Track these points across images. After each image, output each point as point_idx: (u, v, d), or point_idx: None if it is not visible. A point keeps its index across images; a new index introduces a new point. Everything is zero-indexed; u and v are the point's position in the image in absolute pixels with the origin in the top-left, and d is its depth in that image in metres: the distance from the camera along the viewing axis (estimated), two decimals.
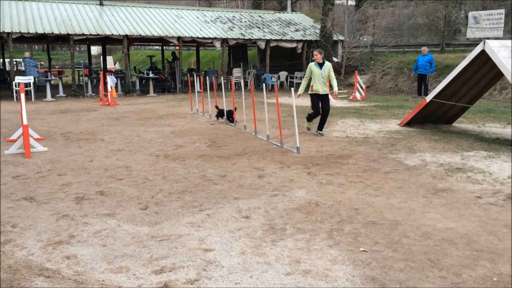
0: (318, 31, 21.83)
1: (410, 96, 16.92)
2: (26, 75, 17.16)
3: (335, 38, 21.59)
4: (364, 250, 3.73)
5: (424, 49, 16.23)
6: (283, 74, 21.35)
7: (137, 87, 19.55)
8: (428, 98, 9.11)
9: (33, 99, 16.26)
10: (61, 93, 17.72)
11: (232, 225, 4.30)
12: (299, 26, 23.15)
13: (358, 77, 16.76)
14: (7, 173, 6.16)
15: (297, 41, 21.30)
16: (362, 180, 5.77)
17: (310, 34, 21.98)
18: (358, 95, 16.42)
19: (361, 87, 16.74)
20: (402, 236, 4.01)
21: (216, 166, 6.56)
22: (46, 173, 6.17)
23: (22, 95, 7.63)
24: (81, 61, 22.21)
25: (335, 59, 21.58)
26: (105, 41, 22.35)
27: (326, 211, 4.68)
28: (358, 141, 8.34)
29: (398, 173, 6.13)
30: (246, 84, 20.63)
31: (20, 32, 16.71)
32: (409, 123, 9.79)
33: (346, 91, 17.71)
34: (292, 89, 8.04)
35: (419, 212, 4.61)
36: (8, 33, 16.52)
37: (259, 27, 21.98)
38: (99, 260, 3.55)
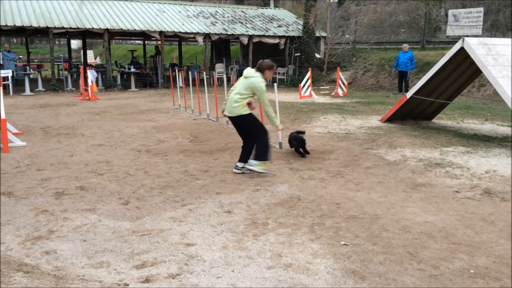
0: (300, 27, 21.88)
1: (391, 92, 17.13)
2: (3, 69, 16.78)
3: (317, 35, 21.67)
4: (345, 244, 3.77)
5: (405, 46, 16.42)
6: None
7: (118, 81, 19.30)
8: (409, 94, 9.23)
9: (11, 93, 15.92)
10: (40, 87, 17.39)
11: (214, 220, 4.30)
12: (282, 22, 23.17)
13: (340, 73, 16.88)
14: None
15: (280, 37, 21.31)
16: (344, 175, 5.83)
17: (293, 30, 22.02)
18: (340, 91, 16.54)
19: (343, 84, 16.86)
20: (382, 230, 4.07)
21: (198, 161, 6.54)
22: (25, 168, 6.07)
23: (0, 89, 7.46)
24: (61, 55, 21.80)
25: (317, 55, 21.68)
26: (85, 34, 22.00)
27: (307, 205, 4.71)
28: (339, 136, 8.41)
29: (378, 168, 6.21)
30: (228, 80, 20.56)
31: None
32: (389, 119, 9.91)
33: (328, 87, 17.82)
34: (275, 84, 8.05)
35: (398, 206, 4.68)
36: None
37: (242, 23, 21.92)
38: (79, 255, 3.51)
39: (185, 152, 7.15)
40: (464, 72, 9.06)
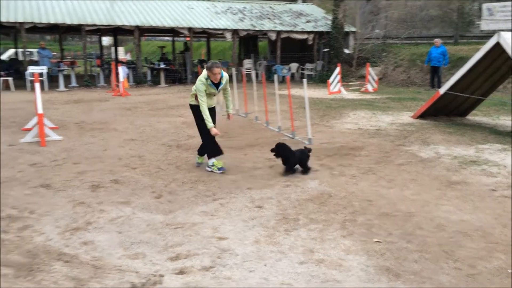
0: (329, 22, 21.67)
1: (423, 88, 16.76)
2: (39, 66, 17.28)
3: (346, 30, 21.41)
4: (378, 241, 3.73)
5: (437, 41, 16.04)
6: (294, 66, 21.26)
7: (149, 77, 19.60)
8: (442, 90, 9.03)
9: (46, 89, 16.38)
10: (73, 83, 17.84)
11: (245, 215, 4.33)
12: (310, 17, 22.99)
13: (370, 69, 16.63)
14: (23, 161, 6.25)
15: (308, 32, 21.16)
16: (375, 172, 5.76)
17: (322, 26, 21.82)
18: (370, 87, 16.31)
19: (373, 79, 16.62)
20: (416, 228, 4.00)
21: (228, 157, 6.57)
22: (62, 162, 6.25)
23: (37, 85, 7.69)
24: (93, 52, 22.32)
25: (346, 51, 21.43)
26: (116, 31, 22.43)
27: (339, 202, 4.69)
28: (370, 133, 8.31)
29: (411, 165, 6.10)
30: (257, 76, 20.57)
31: (32, 22, 16.83)
32: (422, 116, 9.71)
33: (357, 83, 17.60)
34: (305, 80, 8.02)
35: (433, 204, 4.60)
36: (20, 23, 16.66)
37: (270, 18, 21.87)
38: (115, 246, 3.60)
39: None
40: (499, 67, 8.79)
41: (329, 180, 5.43)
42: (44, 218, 4.17)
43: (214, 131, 5.61)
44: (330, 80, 15.65)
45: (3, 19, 16.49)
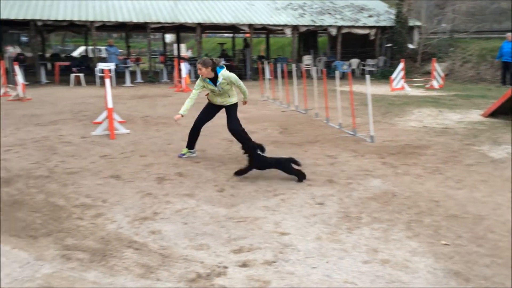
0: (392, 16, 21.01)
1: (494, 85, 15.85)
2: (107, 62, 18.18)
3: (411, 24, 20.66)
4: (446, 244, 3.59)
5: (509, 35, 15.08)
6: (354, 62, 20.83)
7: None
8: None
9: (113, 85, 17.19)
10: (138, 79, 18.62)
11: (307, 211, 4.32)
12: (372, 11, 22.41)
13: (436, 64, 15.95)
14: (94, 152, 6.62)
15: (370, 27, 20.66)
16: (442, 172, 5.53)
17: (384, 20, 21.21)
18: (435, 84, 15.65)
19: (439, 75, 15.93)
20: (487, 231, 3.81)
21: (288, 153, 6.57)
22: (130, 154, 6.55)
23: (107, 81, 8.10)
24: (156, 49, 23.13)
25: (410, 46, 20.68)
26: (179, 29, 23.10)
27: (403, 201, 4.55)
28: (436, 131, 7.98)
29: (481, 165, 5.80)
30: (317, 72, 20.39)
31: (102, 21, 17.74)
32: (493, 114, 9.19)
33: (422, 79, 16.95)
34: (368, 76, 7.84)
35: (505, 207, 4.35)
36: (91, 22, 17.62)
37: (330, 14, 21.56)
38: (181, 237, 3.73)
39: (275, 144, 7.23)
40: None
41: (393, 179, 5.29)
42: (115, 207, 4.41)
43: (176, 116, 6.04)
44: (393, 76, 15.19)
45: (75, 18, 17.54)
